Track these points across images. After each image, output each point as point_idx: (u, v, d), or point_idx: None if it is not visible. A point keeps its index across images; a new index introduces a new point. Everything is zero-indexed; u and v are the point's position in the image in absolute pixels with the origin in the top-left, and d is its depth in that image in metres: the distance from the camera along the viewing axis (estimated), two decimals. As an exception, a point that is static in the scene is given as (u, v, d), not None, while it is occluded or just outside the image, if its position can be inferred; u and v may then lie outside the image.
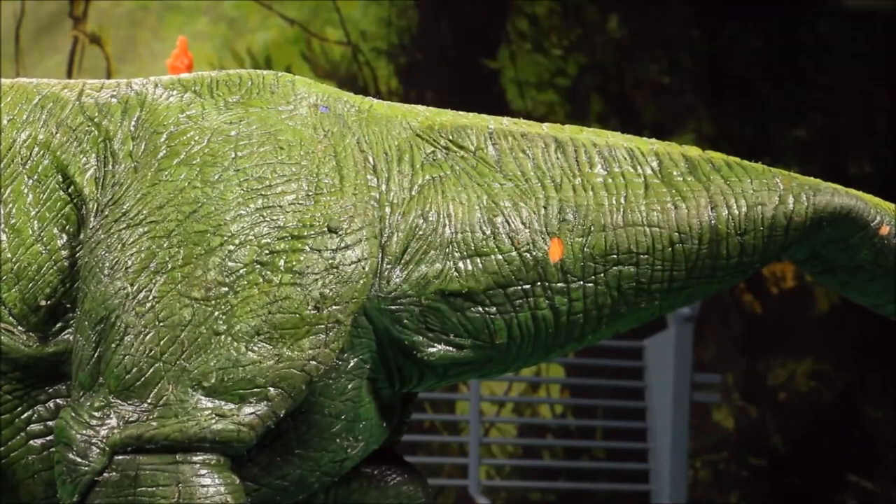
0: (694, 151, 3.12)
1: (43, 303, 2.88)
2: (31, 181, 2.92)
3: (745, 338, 8.39)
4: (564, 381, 7.70)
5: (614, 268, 2.98)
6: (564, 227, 2.97)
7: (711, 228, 3.02)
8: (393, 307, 2.90)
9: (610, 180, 3.03)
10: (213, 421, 2.74)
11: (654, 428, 7.02)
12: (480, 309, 2.94)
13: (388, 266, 2.90)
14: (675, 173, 3.05)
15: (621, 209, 3.00)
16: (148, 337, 2.76)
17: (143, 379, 2.75)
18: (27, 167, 2.92)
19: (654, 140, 3.15)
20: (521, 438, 7.53)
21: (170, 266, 2.79)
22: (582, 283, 2.97)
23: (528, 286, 2.95)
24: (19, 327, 2.87)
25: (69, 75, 8.12)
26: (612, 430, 7.32)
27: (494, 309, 2.95)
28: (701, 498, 7.86)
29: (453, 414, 7.59)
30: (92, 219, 2.88)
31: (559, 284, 2.97)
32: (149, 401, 2.74)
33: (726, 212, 3.03)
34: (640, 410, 7.12)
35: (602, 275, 2.98)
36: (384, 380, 2.96)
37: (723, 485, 8.13)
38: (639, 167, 3.05)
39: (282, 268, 2.80)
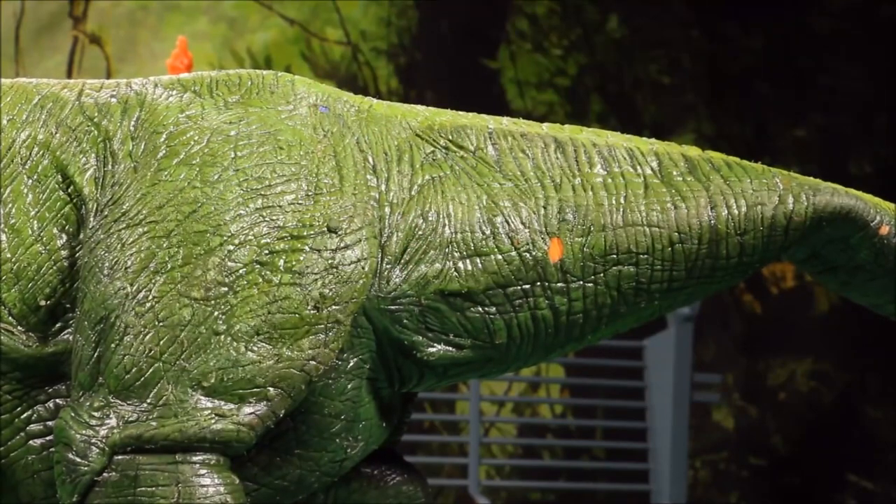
0: (693, 151, 3.12)
1: (42, 303, 2.87)
2: (30, 181, 2.91)
3: (744, 338, 8.38)
4: (564, 381, 7.70)
5: (614, 268, 2.98)
6: (564, 226, 2.96)
7: (711, 228, 3.02)
8: (393, 307, 2.89)
9: (609, 180, 3.02)
10: (213, 421, 2.73)
11: (653, 428, 7.02)
12: (480, 309, 2.93)
13: (388, 266, 2.89)
14: (674, 173, 3.05)
15: (621, 209, 2.99)
16: (147, 337, 2.76)
17: (142, 379, 2.75)
18: (27, 167, 2.92)
19: (653, 140, 3.15)
20: (520, 438, 7.52)
21: (169, 266, 2.78)
22: (581, 283, 2.97)
23: (527, 286, 2.95)
24: (19, 327, 2.86)
25: (69, 75, 8.12)
26: (611, 430, 7.31)
27: (494, 309, 2.94)
28: (701, 498, 7.85)
29: (453, 414, 7.59)
30: (91, 219, 2.88)
31: (559, 284, 2.96)
32: (148, 401, 2.74)
33: (726, 212, 3.02)
34: (640, 410, 7.11)
35: (602, 275, 2.97)
36: (384, 380, 2.96)
37: (723, 485, 8.12)
38: (638, 167, 3.04)
39: (281, 268, 2.80)
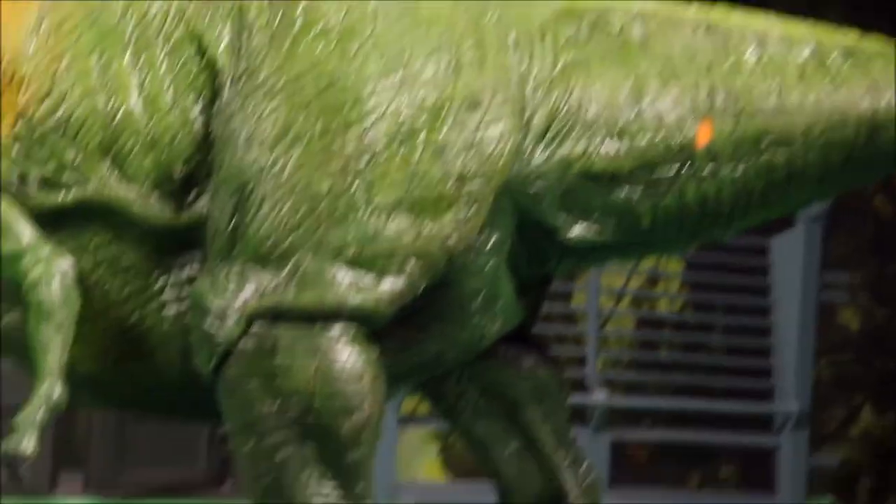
0: (851, 38, 2.98)
1: (177, 172, 2.85)
2: (165, 50, 2.88)
3: (874, 238, 8.20)
4: (685, 277, 7.59)
5: (765, 154, 2.88)
6: (714, 110, 2.87)
7: (869, 116, 2.89)
8: (534, 187, 2.83)
9: (763, 64, 2.91)
10: (352, 293, 2.70)
11: (778, 326, 6.92)
12: (624, 192, 2.85)
13: (530, 145, 2.83)
14: (831, 59, 2.92)
15: (774, 94, 2.88)
16: (285, 208, 2.72)
17: (280, 249, 2.72)
18: (161, 36, 2.89)
19: (808, 25, 3.02)
20: (639, 331, 7.46)
21: (307, 137, 2.75)
22: (731, 168, 2.87)
23: (674, 170, 2.86)
24: (154, 196, 2.85)
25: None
26: (733, 326, 7.21)
27: (639, 192, 2.86)
28: (823, 398, 7.73)
29: (571, 305, 7.52)
30: (227, 89, 2.84)
31: (707, 169, 2.87)
32: (286, 271, 2.71)
33: (885, 100, 2.89)
34: (764, 308, 7.01)
35: (752, 161, 2.88)
36: (523, 259, 2.89)
37: (846, 386, 8.00)
38: (793, 51, 2.92)
39: (421, 142, 2.75)
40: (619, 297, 7.40)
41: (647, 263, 7.36)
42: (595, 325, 6.97)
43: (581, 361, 6.85)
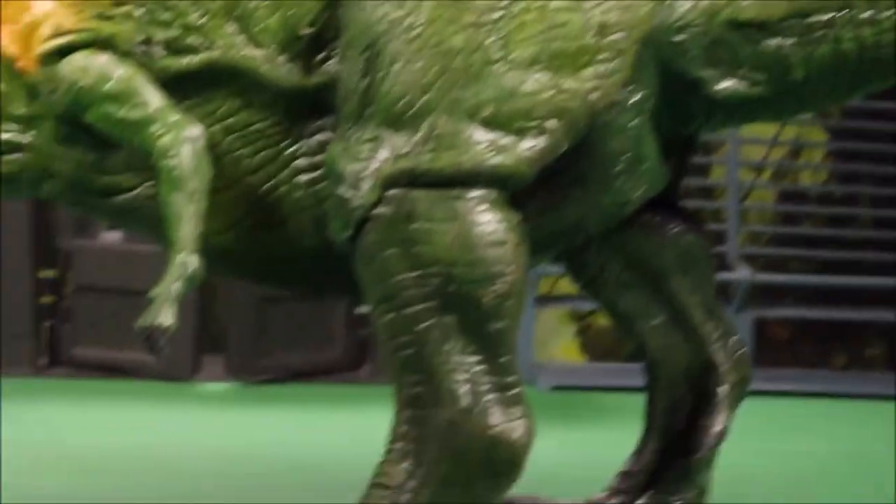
0: None
1: (304, 31, 2.74)
2: None
3: None
4: (830, 146, 7.33)
5: (933, -5, 2.67)
6: None
7: None
8: (679, 37, 2.67)
9: None
10: (490, 154, 2.57)
11: (930, 196, 6.64)
12: (776, 41, 2.68)
13: None
14: None
15: (941, -73, 2.67)
16: (418, 65, 2.60)
17: (414, 109, 2.60)
18: None
19: None
20: (781, 205, 7.23)
21: None
22: (892, 11, 2.67)
23: (830, 15, 2.67)
24: (282, 58, 2.75)
25: None
26: (881, 198, 6.93)
27: (791, 41, 2.68)
28: (978, 272, 7.44)
29: (710, 179, 7.33)
30: None
31: (866, 14, 2.68)
32: (421, 132, 2.59)
33: None
34: (915, 177, 6.72)
35: (916, 3, 2.67)
36: (668, 118, 2.73)
37: None
38: None
39: None
40: (759, 170, 7.15)
41: (789, 133, 7.10)
42: (735, 199, 6.75)
43: (720, 237, 6.66)
